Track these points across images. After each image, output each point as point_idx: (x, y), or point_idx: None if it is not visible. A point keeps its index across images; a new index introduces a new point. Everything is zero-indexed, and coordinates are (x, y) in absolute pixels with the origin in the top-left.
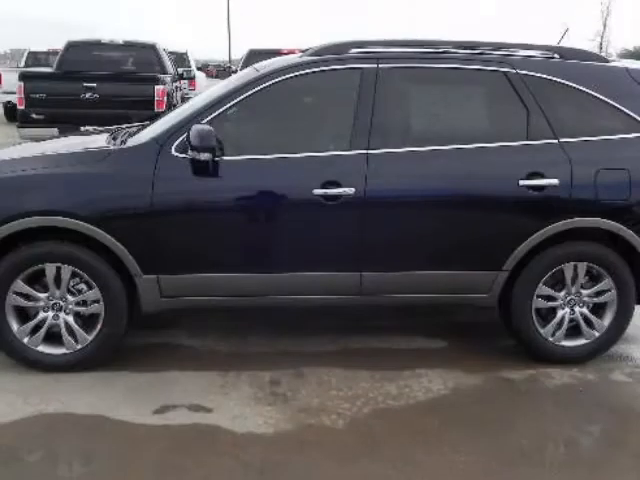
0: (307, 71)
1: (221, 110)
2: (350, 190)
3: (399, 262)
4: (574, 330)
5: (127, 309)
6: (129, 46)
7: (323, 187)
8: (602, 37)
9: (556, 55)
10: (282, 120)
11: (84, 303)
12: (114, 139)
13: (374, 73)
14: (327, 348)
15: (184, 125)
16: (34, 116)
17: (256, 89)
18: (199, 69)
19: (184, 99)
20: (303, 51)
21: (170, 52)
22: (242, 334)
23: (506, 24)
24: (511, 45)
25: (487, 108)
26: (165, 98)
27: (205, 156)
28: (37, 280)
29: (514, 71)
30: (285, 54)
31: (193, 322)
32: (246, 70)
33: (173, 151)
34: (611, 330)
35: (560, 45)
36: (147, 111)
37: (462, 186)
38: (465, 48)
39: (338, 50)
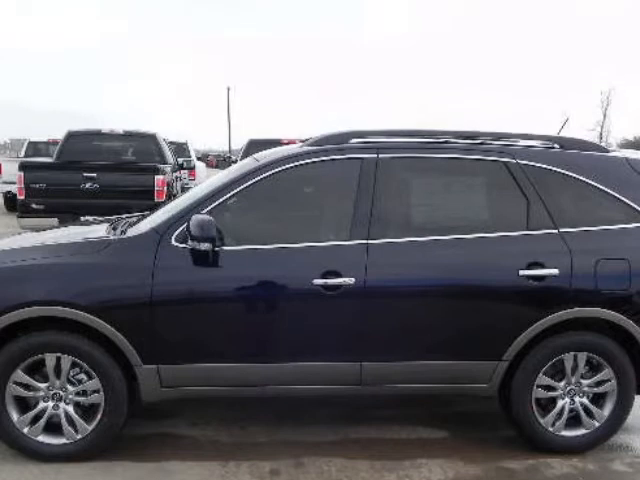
0: (307, 161)
1: (221, 200)
2: (350, 280)
3: (399, 352)
4: (574, 420)
5: (127, 399)
6: (129, 136)
7: (323, 277)
8: (602, 127)
9: (556, 145)
10: (282, 210)
11: (84, 393)
12: (114, 229)
13: (374, 163)
14: (327, 438)
15: (184, 215)
16: (34, 206)
17: (256, 179)
18: (199, 159)
19: (184, 189)
20: (303, 141)
21: (170, 142)
22: (242, 424)
23: (507, 116)
24: (511, 135)
25: (487, 198)
26: (165, 188)
27: (205, 246)
28: (37, 370)
29: (514, 161)
30: (285, 144)
31: (193, 412)
32: (246, 160)
33: (173, 241)
34: (611, 420)
35: (560, 135)
36: (147, 201)
37: (462, 276)
38: (465, 138)
39: (338, 140)
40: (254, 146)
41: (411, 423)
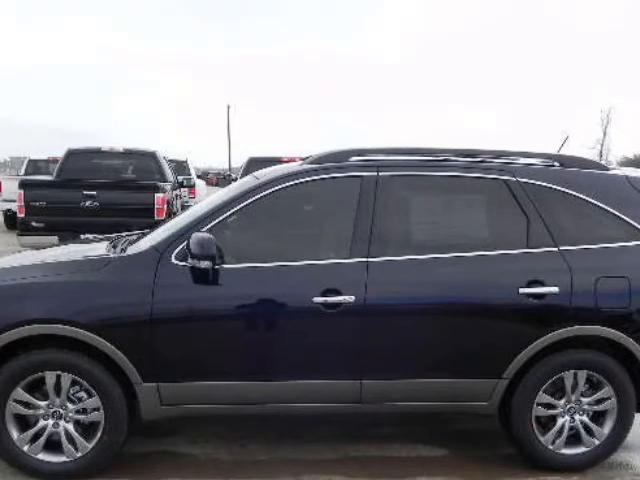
0: (307, 179)
1: (221, 218)
2: (350, 298)
3: (399, 370)
4: (574, 438)
5: (127, 417)
6: (129, 154)
7: (323, 295)
8: (602, 145)
9: (556, 163)
10: (282, 228)
11: (84, 411)
12: (114, 247)
13: (374, 181)
14: (327, 456)
15: (184, 233)
16: (34, 224)
17: (256, 197)
18: (199, 177)
19: (184, 207)
20: (303, 159)
21: (170, 160)
22: (242, 442)
23: (507, 134)
24: (511, 153)
25: (487, 216)
26: (165, 206)
27: (205, 264)
28: (37, 387)
29: (514, 179)
30: (286, 162)
31: (193, 430)
32: (246, 178)
33: (173, 259)
34: (611, 438)
35: (560, 153)
36: (147, 219)
37: (462, 294)
38: (465, 156)
39: (338, 158)
40: (254, 164)
41: (411, 441)
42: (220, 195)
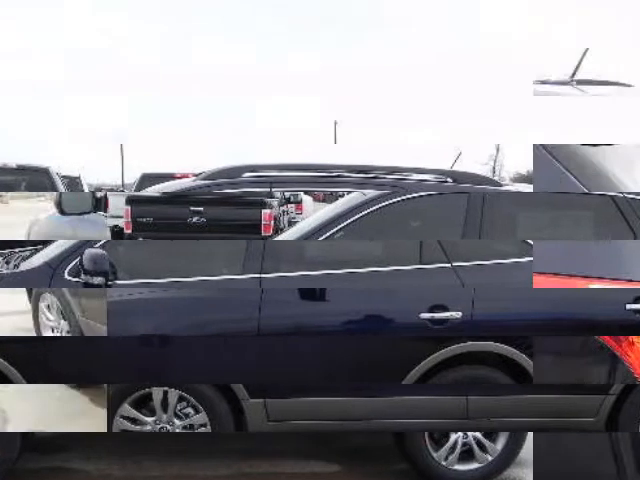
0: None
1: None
2: None
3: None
4: (467, 454)
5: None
6: (22, 170)
7: None
8: (495, 161)
9: (449, 179)
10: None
11: (191, 427)
12: (7, 263)
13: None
14: (220, 472)
15: (77, 249)
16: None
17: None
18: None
19: None
20: (196, 175)
21: (63, 176)
22: (136, 458)
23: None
24: (405, 169)
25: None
26: None
27: (98, 280)
28: (144, 404)
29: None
30: (178, 178)
31: (87, 446)
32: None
33: (66, 275)
34: (504, 454)
35: (453, 169)
36: None
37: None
38: (359, 172)
39: (231, 174)
40: (147, 180)
41: (304, 457)
42: None
